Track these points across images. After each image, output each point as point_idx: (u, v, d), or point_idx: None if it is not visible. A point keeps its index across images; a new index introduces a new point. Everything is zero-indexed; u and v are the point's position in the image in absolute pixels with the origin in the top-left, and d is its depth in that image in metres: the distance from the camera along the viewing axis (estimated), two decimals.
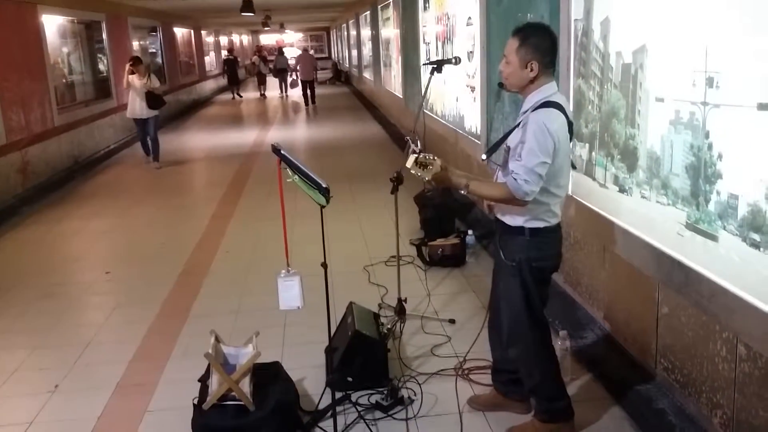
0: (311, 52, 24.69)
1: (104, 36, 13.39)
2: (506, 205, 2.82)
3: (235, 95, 24.25)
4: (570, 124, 2.75)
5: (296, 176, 2.98)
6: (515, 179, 2.65)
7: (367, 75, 19.30)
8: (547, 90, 2.74)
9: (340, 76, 30.03)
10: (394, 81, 13.16)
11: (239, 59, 27.71)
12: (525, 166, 2.63)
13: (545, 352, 3.03)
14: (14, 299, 5.21)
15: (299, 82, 20.55)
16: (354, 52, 23.94)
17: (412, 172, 2.77)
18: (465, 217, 6.67)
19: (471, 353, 3.88)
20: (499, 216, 2.96)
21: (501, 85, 2.91)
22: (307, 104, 19.73)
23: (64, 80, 11.51)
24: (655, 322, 3.33)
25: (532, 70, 2.70)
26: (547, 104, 2.68)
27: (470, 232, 5.70)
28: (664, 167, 2.97)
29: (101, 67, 13.38)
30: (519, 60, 2.71)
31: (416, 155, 2.75)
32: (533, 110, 2.69)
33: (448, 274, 5.31)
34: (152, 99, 10.12)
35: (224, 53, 27.77)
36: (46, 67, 10.20)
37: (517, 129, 2.77)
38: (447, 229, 5.93)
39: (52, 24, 10.97)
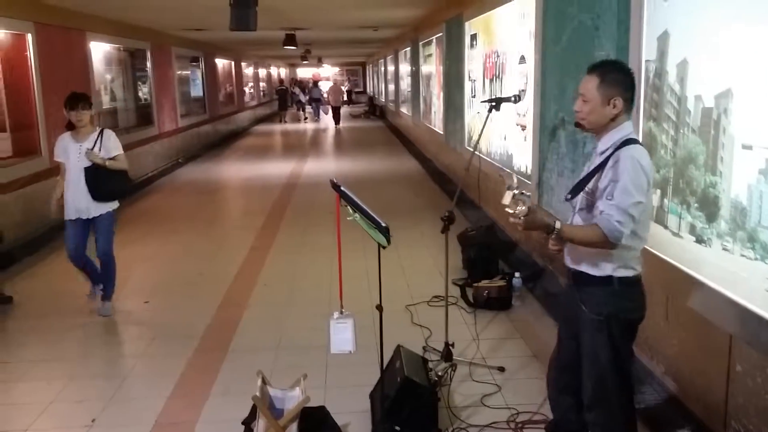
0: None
1: (148, 64, 13.58)
2: (585, 252, 2.66)
3: (283, 120, 27.99)
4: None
5: (357, 214, 2.86)
6: (609, 220, 2.49)
7: (404, 110, 19.33)
8: (628, 128, 2.64)
9: (375, 110, 30.20)
10: (434, 117, 13.10)
11: (288, 89, 31.22)
12: (618, 207, 2.48)
13: (629, 417, 2.82)
14: (51, 327, 5.14)
15: (330, 108, 25.76)
16: (391, 87, 24.10)
17: (508, 210, 2.56)
18: (508, 258, 6.50)
19: (523, 405, 3.72)
20: (574, 266, 2.78)
21: (578, 125, 2.76)
22: (336, 124, 24.75)
23: (107, 106, 11.64)
24: (726, 381, 3.11)
25: (615, 106, 2.59)
26: (633, 141, 2.57)
27: (517, 274, 5.52)
28: (752, 219, 2.78)
29: (143, 94, 13.55)
30: (601, 97, 2.60)
31: (514, 192, 2.54)
32: (617, 148, 2.57)
33: (494, 318, 5.13)
34: (107, 180, 5.18)
35: (276, 84, 32.03)
36: (92, 92, 10.32)
37: (603, 170, 2.61)
38: (491, 270, 5.77)
39: (99, 51, 11.15)
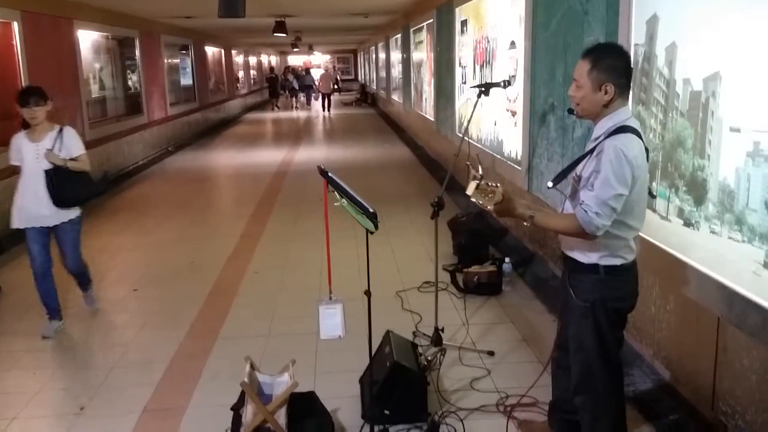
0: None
1: (137, 52, 13.48)
2: (576, 240, 2.62)
3: (275, 106, 28.48)
4: (647, 150, 2.57)
5: (344, 200, 2.84)
6: (586, 211, 2.45)
7: (396, 97, 19.29)
8: (622, 114, 2.56)
9: (367, 98, 30.11)
10: (425, 104, 13.07)
11: (279, 77, 31.34)
12: (598, 198, 2.44)
13: (616, 403, 2.81)
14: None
15: (320, 95, 26.53)
16: (382, 74, 24.02)
17: (473, 200, 2.55)
18: (499, 244, 6.51)
19: (513, 389, 3.73)
20: (567, 252, 2.76)
21: (571, 110, 2.72)
22: (324, 110, 25.30)
23: (95, 95, 11.55)
24: (713, 363, 3.13)
25: (606, 92, 2.52)
26: (623, 129, 2.49)
27: (507, 259, 5.52)
28: (740, 202, 2.78)
29: (132, 83, 13.45)
30: (592, 83, 2.53)
31: (477, 182, 2.53)
32: (607, 136, 2.51)
33: (484, 303, 5.14)
34: (70, 183, 4.67)
35: (267, 72, 32.57)
36: (80, 81, 10.24)
37: (590, 156, 2.57)
38: (481, 256, 5.77)
39: (87, 39, 11.05)
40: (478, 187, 2.51)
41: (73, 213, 4.77)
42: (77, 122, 9.95)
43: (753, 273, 2.69)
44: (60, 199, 4.61)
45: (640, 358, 3.89)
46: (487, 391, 3.76)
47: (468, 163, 3.08)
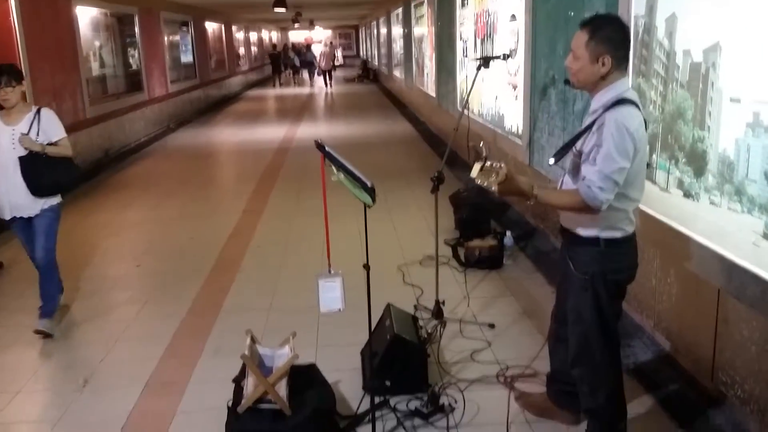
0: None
1: (136, 29, 13.38)
2: (575, 214, 2.62)
3: (278, 83, 28.42)
4: (645, 122, 2.54)
5: (341, 174, 2.83)
6: (589, 187, 2.44)
7: (397, 73, 19.17)
8: (620, 86, 2.53)
9: (369, 74, 29.92)
10: (426, 79, 12.99)
11: (281, 53, 31.27)
12: (601, 172, 2.42)
13: (614, 373, 2.82)
14: None
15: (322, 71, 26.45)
16: (384, 50, 23.87)
17: (478, 182, 2.50)
18: (501, 218, 6.51)
19: (513, 360, 3.76)
20: (566, 225, 2.75)
21: (567, 81, 2.69)
22: (326, 86, 25.43)
23: (95, 72, 11.50)
24: (713, 335, 3.14)
25: (604, 64, 2.49)
26: (622, 102, 2.47)
27: (508, 233, 5.53)
28: (739, 172, 2.77)
29: (133, 60, 13.38)
30: (589, 54, 2.50)
31: (482, 164, 2.48)
32: (606, 109, 2.48)
33: (485, 277, 5.15)
34: (48, 170, 4.30)
35: (269, 49, 32.64)
36: (79, 58, 10.19)
37: (590, 131, 2.54)
38: (483, 230, 5.77)
39: (86, 16, 10.97)
40: (482, 169, 2.48)
41: (53, 201, 4.39)
42: (77, 98, 9.91)
43: (752, 244, 2.69)
44: (37, 188, 4.25)
45: (641, 330, 3.90)
46: (487, 363, 3.78)
47: (471, 144, 3.05)
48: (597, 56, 2.49)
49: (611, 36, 2.49)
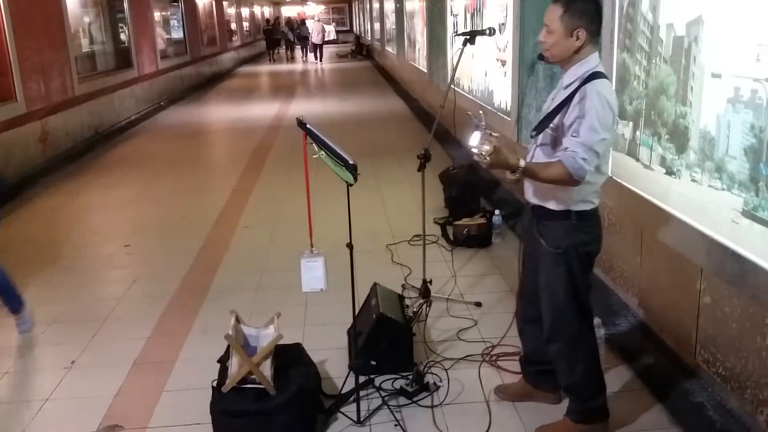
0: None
1: (125, 5, 13.23)
2: (547, 187, 2.62)
3: (272, 58, 29.19)
4: None
5: (322, 152, 2.82)
6: (574, 158, 2.43)
7: (390, 49, 19.03)
8: (592, 61, 2.54)
9: (362, 49, 29.71)
10: (418, 55, 12.90)
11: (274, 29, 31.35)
12: (584, 144, 2.42)
13: (589, 346, 2.85)
14: (32, 271, 5.12)
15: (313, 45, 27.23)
16: (376, 26, 23.67)
17: (474, 150, 2.48)
18: (490, 196, 6.50)
19: (498, 338, 3.75)
20: (535, 201, 2.75)
21: (541, 57, 2.68)
22: (316, 60, 26.56)
23: (84, 49, 11.38)
24: (696, 312, 3.16)
25: (578, 38, 2.49)
26: (597, 74, 2.48)
27: (497, 212, 5.52)
28: (720, 149, 2.76)
29: (122, 37, 13.24)
30: (563, 28, 2.49)
31: (482, 132, 2.48)
32: (583, 82, 2.48)
33: (474, 255, 5.15)
34: None
35: (264, 24, 33.34)
36: (67, 35, 10.06)
37: (570, 105, 2.52)
38: (472, 208, 5.77)
39: None
40: (481, 137, 2.46)
41: None
42: (65, 76, 9.81)
43: (732, 221, 2.69)
44: None
45: (626, 308, 3.91)
46: (473, 341, 3.80)
47: (469, 113, 3.04)
48: (571, 30, 2.49)
49: (585, 9, 2.48)
